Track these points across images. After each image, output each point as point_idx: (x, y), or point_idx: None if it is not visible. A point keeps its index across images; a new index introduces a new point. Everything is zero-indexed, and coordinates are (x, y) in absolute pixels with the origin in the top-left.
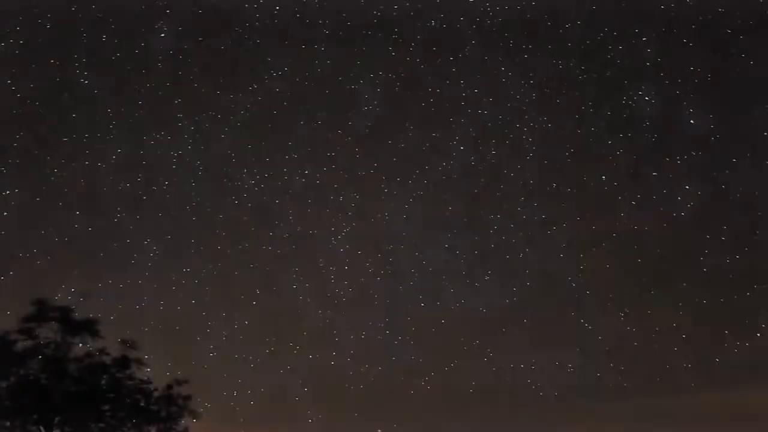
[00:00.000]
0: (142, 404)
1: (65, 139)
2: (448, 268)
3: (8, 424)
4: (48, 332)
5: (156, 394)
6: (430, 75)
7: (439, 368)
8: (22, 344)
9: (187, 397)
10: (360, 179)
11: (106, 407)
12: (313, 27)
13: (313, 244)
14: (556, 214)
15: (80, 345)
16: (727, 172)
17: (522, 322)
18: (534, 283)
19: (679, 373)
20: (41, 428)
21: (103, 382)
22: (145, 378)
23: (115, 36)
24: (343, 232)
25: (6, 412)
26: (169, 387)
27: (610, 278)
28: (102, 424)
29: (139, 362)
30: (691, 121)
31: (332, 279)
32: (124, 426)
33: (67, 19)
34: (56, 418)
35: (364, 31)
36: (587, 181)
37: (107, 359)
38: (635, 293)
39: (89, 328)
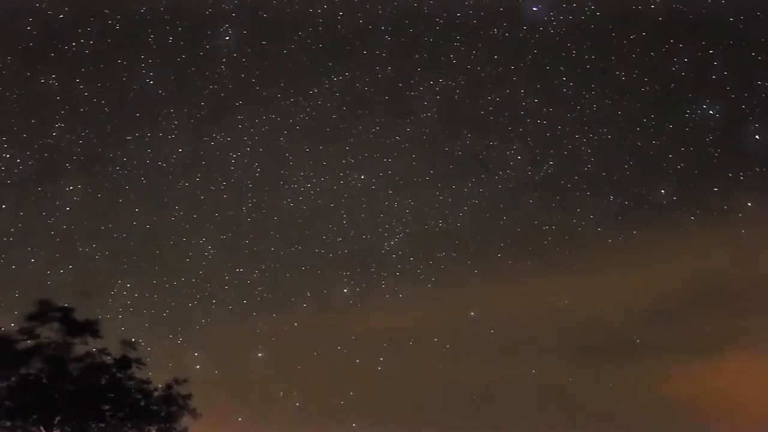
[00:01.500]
0: (142, 404)
1: (128, 138)
2: (500, 277)
3: (8, 424)
4: (49, 332)
5: (156, 393)
6: (489, 83)
7: (486, 377)
8: (23, 344)
9: (187, 397)
10: (415, 185)
11: (107, 407)
12: (374, 33)
13: (366, 248)
14: (613, 227)
15: (86, 344)
16: None
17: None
18: None
19: None
20: (41, 428)
21: (104, 382)
22: (145, 378)
23: (180, 38)
24: (396, 237)
25: (6, 412)
26: (169, 387)
27: None
28: (102, 424)
29: (139, 362)
30: (756, 137)
31: (383, 284)
32: (125, 426)
33: (134, 21)
34: (56, 418)
35: (425, 38)
36: (646, 194)
37: (108, 359)
38: None
39: (90, 328)
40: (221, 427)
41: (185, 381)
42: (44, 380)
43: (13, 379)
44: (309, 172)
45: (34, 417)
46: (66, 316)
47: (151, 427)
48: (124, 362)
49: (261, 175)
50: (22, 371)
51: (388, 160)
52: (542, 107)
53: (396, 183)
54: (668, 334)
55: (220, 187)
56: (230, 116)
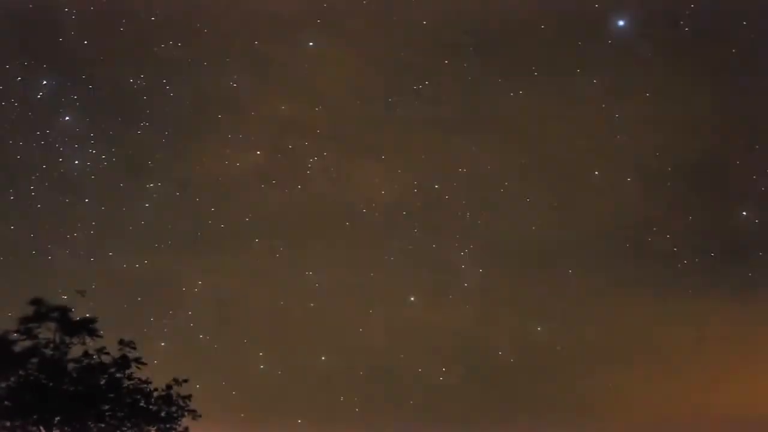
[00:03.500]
0: (142, 404)
1: (209, 138)
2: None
3: (8, 424)
4: (47, 332)
5: (156, 393)
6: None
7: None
8: (21, 344)
9: (187, 397)
10: (490, 196)
11: (106, 407)
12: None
13: (433, 257)
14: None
15: (82, 343)
16: None
17: None
18: None
19: None
20: (41, 428)
21: (102, 382)
22: (145, 378)
23: (266, 42)
24: (467, 248)
25: (6, 412)
26: (169, 387)
27: None
28: (102, 425)
29: (139, 362)
30: None
31: (450, 296)
32: (124, 426)
33: (221, 24)
34: (56, 418)
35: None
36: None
37: (107, 359)
38: None
39: (88, 327)
40: None
41: (185, 381)
42: (43, 380)
43: (12, 379)
44: (383, 178)
45: (34, 417)
46: (63, 315)
47: (150, 428)
48: (123, 362)
49: (337, 181)
50: (21, 372)
51: (462, 170)
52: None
53: (469, 193)
54: None
55: (295, 190)
56: (310, 121)
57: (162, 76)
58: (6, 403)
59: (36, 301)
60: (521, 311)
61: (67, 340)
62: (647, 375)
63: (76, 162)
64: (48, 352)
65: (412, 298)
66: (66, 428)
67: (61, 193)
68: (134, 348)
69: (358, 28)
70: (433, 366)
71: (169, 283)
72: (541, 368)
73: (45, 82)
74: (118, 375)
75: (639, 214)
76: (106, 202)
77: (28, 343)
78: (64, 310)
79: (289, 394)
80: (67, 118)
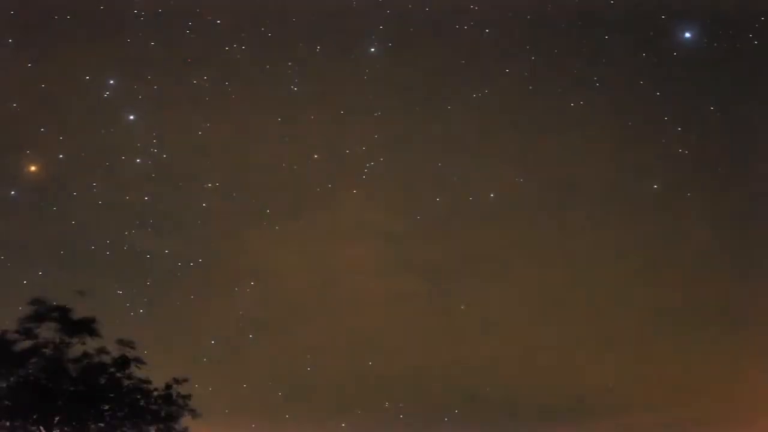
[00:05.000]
0: (142, 404)
1: (268, 138)
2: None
3: (8, 424)
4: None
5: (155, 393)
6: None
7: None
8: (21, 344)
9: (187, 397)
10: (556, 207)
11: (106, 407)
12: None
13: (494, 268)
14: None
15: (82, 343)
16: None
17: None
18: None
19: None
20: (41, 428)
21: (102, 381)
22: (144, 377)
23: (327, 46)
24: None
25: (6, 412)
26: (168, 386)
27: None
28: (102, 424)
29: (138, 362)
30: None
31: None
32: (124, 426)
33: (285, 28)
34: (56, 418)
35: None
36: None
37: (107, 358)
38: None
39: (88, 327)
40: None
41: (185, 380)
42: (43, 380)
43: (12, 379)
44: (443, 180)
45: (34, 417)
46: (63, 315)
47: (150, 427)
48: (123, 362)
49: (394, 184)
50: (21, 371)
51: (519, 179)
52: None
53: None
54: None
55: (351, 192)
56: (369, 126)
57: (225, 77)
58: (6, 403)
59: (36, 302)
60: None
61: (67, 339)
62: None
63: (138, 161)
64: (48, 352)
65: (462, 306)
66: (66, 428)
67: (122, 191)
68: (133, 347)
69: None
70: (477, 373)
71: (221, 281)
72: None
73: (112, 82)
74: (118, 375)
75: None
76: (165, 200)
77: (28, 343)
78: (64, 310)
79: (335, 397)
80: (131, 117)
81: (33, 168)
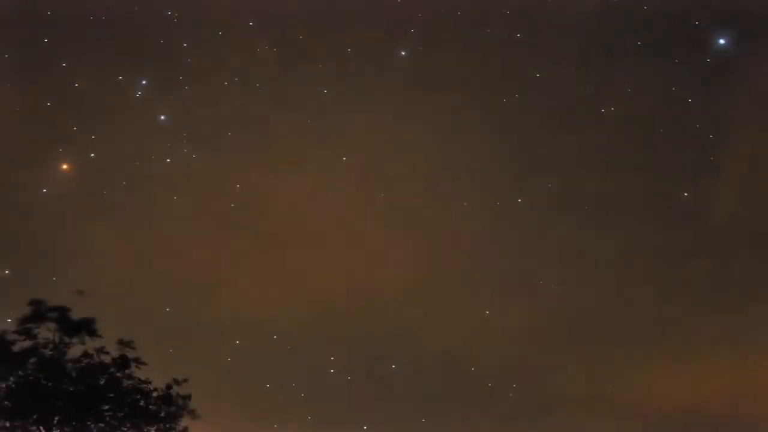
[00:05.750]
0: (142, 404)
1: (296, 140)
2: None
3: (8, 424)
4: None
5: (155, 393)
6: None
7: None
8: (20, 345)
9: (187, 397)
10: (589, 210)
11: (106, 407)
12: None
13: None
14: None
15: (82, 343)
16: None
17: None
18: None
19: None
20: (41, 428)
21: (102, 382)
22: (144, 377)
23: (357, 49)
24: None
25: (6, 412)
26: (168, 387)
27: None
28: (101, 424)
29: (138, 362)
30: None
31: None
32: (124, 426)
33: (315, 31)
34: (56, 418)
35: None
36: None
37: (107, 358)
38: None
39: (88, 327)
40: None
41: (185, 381)
42: (42, 380)
43: (11, 379)
44: (471, 184)
45: (34, 417)
46: (62, 315)
47: (150, 427)
48: (122, 362)
49: (423, 186)
50: (21, 372)
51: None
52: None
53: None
54: None
55: (380, 196)
56: (404, 128)
57: (254, 79)
58: (6, 403)
59: (35, 302)
60: None
61: (67, 340)
62: None
63: (168, 160)
64: (47, 352)
65: (487, 312)
66: (66, 428)
67: (152, 189)
68: (133, 348)
69: None
70: (508, 380)
71: (247, 283)
72: None
73: (144, 82)
74: (117, 375)
75: None
76: (194, 200)
77: (27, 344)
78: (63, 310)
79: (357, 400)
80: (162, 117)
81: (64, 166)
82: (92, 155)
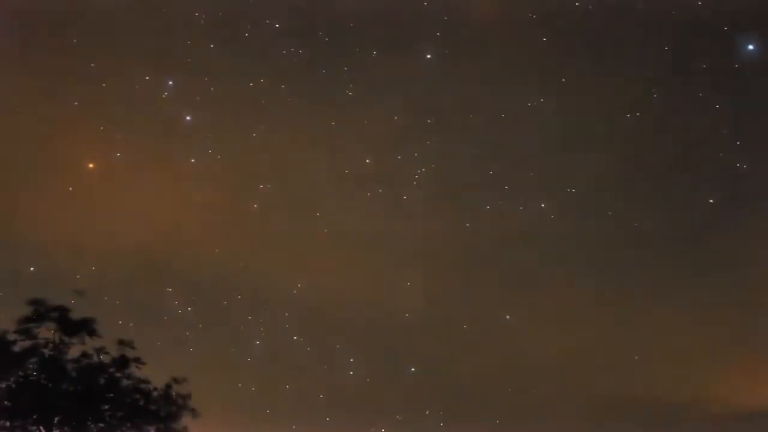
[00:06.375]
0: (141, 404)
1: (321, 141)
2: None
3: (8, 424)
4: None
5: (155, 393)
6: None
7: None
8: (20, 344)
9: (187, 396)
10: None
11: (106, 407)
12: None
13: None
14: None
15: (82, 343)
16: None
17: None
18: None
19: None
20: (41, 428)
21: (102, 381)
22: (143, 377)
23: (384, 51)
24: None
25: (5, 412)
26: (168, 386)
27: None
28: (101, 424)
29: (138, 361)
30: None
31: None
32: (124, 426)
33: (341, 33)
34: (56, 418)
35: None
36: None
37: (107, 358)
38: None
39: (87, 327)
40: None
41: (185, 380)
42: (42, 380)
43: (11, 379)
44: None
45: (34, 417)
46: (62, 315)
47: (150, 427)
48: (122, 361)
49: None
50: (21, 372)
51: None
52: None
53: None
54: None
55: (401, 199)
56: (421, 132)
57: (281, 80)
58: (6, 403)
59: (35, 302)
60: None
61: (66, 340)
62: None
63: (193, 161)
64: (47, 352)
65: (508, 317)
66: (66, 428)
67: (176, 189)
68: (133, 347)
69: None
70: (529, 386)
71: (269, 283)
72: None
73: (171, 83)
74: (117, 374)
75: None
76: (219, 201)
77: (27, 343)
78: (63, 310)
79: (376, 403)
80: (188, 118)
81: (90, 165)
82: (118, 155)
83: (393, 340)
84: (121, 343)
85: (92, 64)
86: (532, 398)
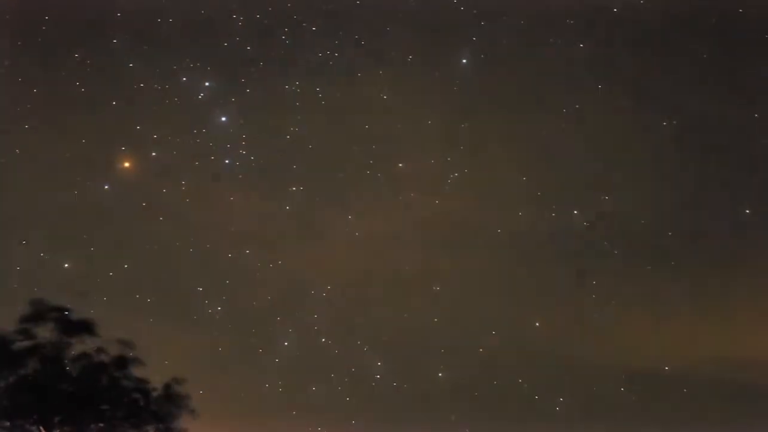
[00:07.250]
0: (141, 404)
1: (355, 144)
2: None
3: (8, 424)
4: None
5: (155, 393)
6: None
7: None
8: (20, 344)
9: (186, 396)
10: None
11: (105, 407)
12: None
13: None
14: None
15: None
16: None
17: None
18: None
19: None
20: (41, 428)
21: (101, 382)
22: (143, 377)
23: (419, 56)
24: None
25: (6, 412)
26: (167, 386)
27: None
28: (101, 424)
29: (138, 362)
30: None
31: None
32: (123, 425)
33: (378, 37)
34: (56, 418)
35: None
36: None
37: (105, 358)
38: None
39: (87, 327)
40: None
41: (184, 380)
42: (42, 380)
43: (11, 379)
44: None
45: (34, 417)
46: (62, 315)
47: (149, 427)
48: (122, 362)
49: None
50: (21, 372)
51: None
52: None
53: None
54: None
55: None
56: (454, 137)
57: (316, 82)
58: (6, 403)
59: (35, 302)
60: None
61: (66, 339)
62: None
63: (227, 161)
64: (47, 352)
65: (537, 323)
66: (66, 428)
67: (210, 189)
68: (133, 347)
69: None
70: (558, 393)
71: (298, 285)
72: None
73: (207, 84)
74: (116, 375)
75: None
76: (250, 201)
77: (27, 343)
78: (62, 311)
79: (402, 406)
80: (223, 119)
81: (126, 164)
82: (153, 154)
83: (421, 344)
84: (121, 343)
85: (131, 65)
86: (560, 405)
